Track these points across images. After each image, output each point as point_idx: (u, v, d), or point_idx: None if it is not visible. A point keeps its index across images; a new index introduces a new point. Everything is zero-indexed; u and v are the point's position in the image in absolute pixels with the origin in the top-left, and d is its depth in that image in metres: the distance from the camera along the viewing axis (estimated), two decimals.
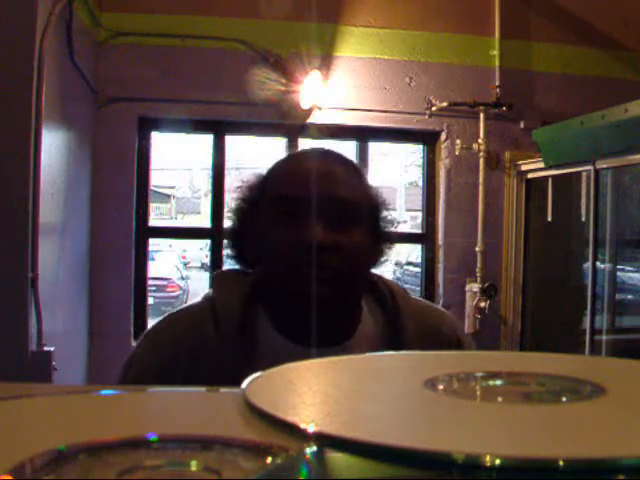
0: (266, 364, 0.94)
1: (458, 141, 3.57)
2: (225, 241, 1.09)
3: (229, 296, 1.01)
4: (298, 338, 0.98)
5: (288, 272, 0.95)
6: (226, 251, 1.08)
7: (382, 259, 1.07)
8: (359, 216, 0.99)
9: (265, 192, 1.02)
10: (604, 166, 3.09)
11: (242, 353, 0.96)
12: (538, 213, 3.63)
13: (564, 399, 0.47)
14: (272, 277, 0.99)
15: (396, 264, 9.33)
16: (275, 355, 0.93)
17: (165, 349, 1.00)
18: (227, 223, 1.07)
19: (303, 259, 0.93)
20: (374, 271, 1.09)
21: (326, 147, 1.09)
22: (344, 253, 0.95)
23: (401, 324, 1.04)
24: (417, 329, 1.05)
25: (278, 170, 1.05)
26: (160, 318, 1.07)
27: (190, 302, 1.10)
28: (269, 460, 0.39)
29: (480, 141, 3.54)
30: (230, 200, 1.10)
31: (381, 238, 1.05)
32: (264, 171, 1.06)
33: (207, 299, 1.04)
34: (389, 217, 1.07)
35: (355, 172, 1.04)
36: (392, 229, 1.08)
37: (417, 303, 1.12)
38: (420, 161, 3.88)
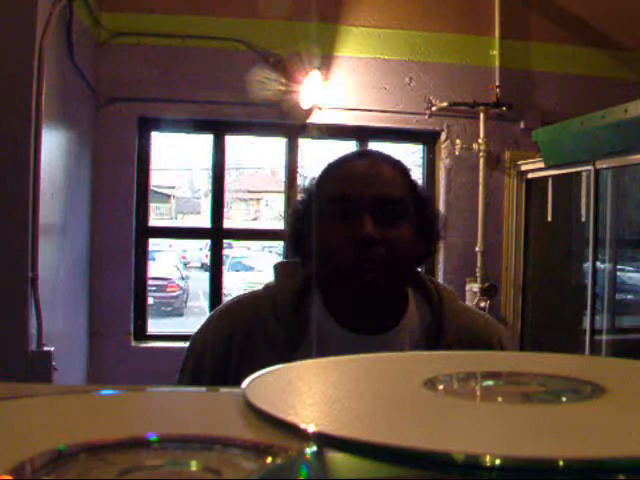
0: (318, 347, 1.02)
1: (458, 141, 3.57)
2: (285, 238, 1.19)
3: (287, 284, 1.12)
4: (348, 324, 1.08)
5: (341, 264, 1.04)
6: (287, 248, 1.20)
7: (429, 253, 1.15)
8: (404, 212, 1.07)
9: (320, 193, 1.12)
10: (604, 166, 3.09)
11: (296, 337, 1.06)
12: (538, 213, 3.63)
13: (564, 399, 0.47)
14: (327, 269, 1.07)
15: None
16: (326, 339, 1.06)
17: (223, 330, 1.11)
18: (286, 221, 1.21)
19: (354, 252, 1.02)
20: (425, 273, 1.19)
21: (374, 149, 1.18)
22: (391, 246, 1.03)
23: (444, 322, 1.10)
24: (459, 329, 1.10)
25: (331, 172, 1.14)
26: (230, 299, 1.20)
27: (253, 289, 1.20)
28: (269, 460, 0.39)
29: (480, 141, 3.54)
30: (290, 201, 1.19)
31: (427, 234, 1.12)
32: (318, 174, 1.16)
33: (268, 287, 1.15)
34: (435, 214, 1.16)
35: (401, 171, 1.12)
36: (439, 225, 1.16)
37: (464, 306, 1.20)
38: (420, 161, 3.88)
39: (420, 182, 1.17)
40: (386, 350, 1.04)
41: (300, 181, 1.19)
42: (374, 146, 3.83)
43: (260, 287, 1.17)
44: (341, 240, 1.03)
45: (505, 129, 3.64)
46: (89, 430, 0.44)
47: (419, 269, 1.19)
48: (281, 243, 3.58)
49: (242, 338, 1.08)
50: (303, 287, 1.11)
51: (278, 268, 1.17)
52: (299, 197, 1.17)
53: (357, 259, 1.02)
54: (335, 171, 1.13)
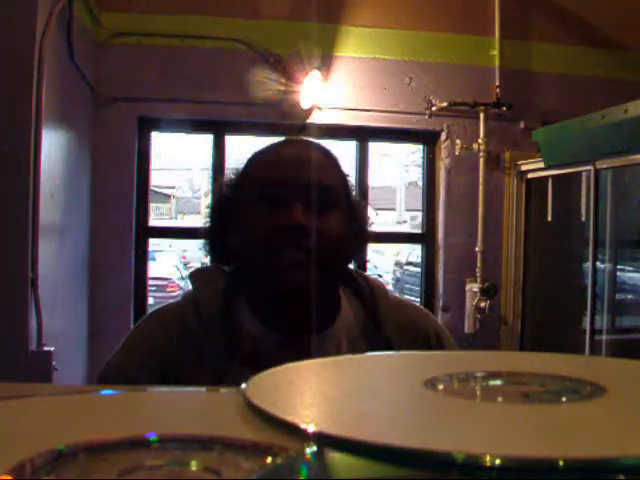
0: (249, 354, 0.97)
1: (458, 141, 3.57)
2: (203, 239, 1.11)
3: (209, 290, 1.04)
4: (279, 326, 1.01)
5: (268, 255, 0.97)
6: (203, 248, 1.10)
7: (358, 250, 1.10)
8: (335, 201, 1.02)
9: (244, 181, 1.05)
10: (604, 166, 3.09)
11: (225, 344, 0.98)
12: (538, 213, 3.63)
13: (564, 399, 0.47)
14: (252, 262, 1.01)
15: (396, 264, 9.33)
16: (257, 345, 0.98)
17: (157, 340, 1.03)
18: (204, 221, 1.11)
19: (282, 241, 0.96)
20: (354, 268, 1.15)
21: (304, 138, 1.14)
22: (321, 235, 0.97)
23: (379, 317, 1.06)
24: (396, 323, 1.07)
25: (256, 159, 1.08)
26: (142, 319, 1.10)
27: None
28: (269, 460, 0.39)
29: (480, 141, 3.54)
30: (209, 198, 1.14)
31: (357, 228, 1.07)
32: (241, 165, 1.09)
33: (187, 296, 1.07)
34: (363, 209, 1.11)
35: (332, 159, 1.08)
36: (367, 223, 1.11)
37: (396, 299, 1.15)
38: (420, 161, 3.88)
39: (353, 178, 1.12)
40: (323, 350, 1.00)
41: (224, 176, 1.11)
42: (374, 146, 3.84)
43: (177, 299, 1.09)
44: (268, 229, 0.97)
45: (505, 129, 3.63)
46: (89, 430, 0.44)
47: (349, 266, 1.13)
48: None
49: (175, 351, 1.00)
50: (226, 293, 1.03)
51: (195, 276, 1.10)
52: (220, 190, 1.10)
53: (285, 248, 0.96)
54: (261, 158, 1.07)
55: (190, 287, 1.08)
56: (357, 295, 1.09)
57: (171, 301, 1.10)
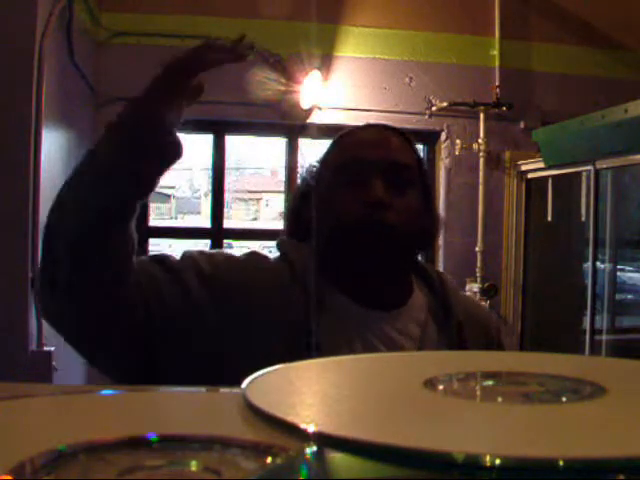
0: (329, 321, 0.98)
1: (458, 141, 3.57)
2: (289, 217, 1.16)
3: (300, 258, 1.06)
4: (358, 297, 1.04)
5: (350, 229, 1.01)
6: (287, 228, 1.14)
7: (430, 239, 1.14)
8: (413, 180, 1.07)
9: (328, 162, 1.10)
10: (604, 166, 3.09)
11: (311, 307, 1.01)
12: (538, 213, 3.63)
13: (564, 399, 0.47)
14: (335, 236, 1.04)
15: None
16: (340, 313, 1.01)
17: (239, 269, 1.02)
18: (291, 200, 1.15)
19: (364, 215, 1.00)
20: (425, 261, 1.18)
21: (384, 123, 1.17)
22: (400, 212, 1.02)
23: (449, 303, 1.09)
24: (465, 310, 1.10)
25: (338, 141, 1.13)
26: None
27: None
28: (269, 460, 0.39)
29: (480, 141, 3.54)
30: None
31: (431, 211, 1.11)
32: (325, 151, 1.14)
33: (280, 259, 1.08)
34: (434, 193, 1.16)
35: (409, 143, 1.12)
36: (438, 217, 1.15)
37: (463, 294, 1.21)
38: None
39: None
40: (398, 327, 1.03)
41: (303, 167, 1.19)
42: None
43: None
44: (350, 205, 1.01)
45: (505, 129, 3.63)
46: (89, 430, 0.44)
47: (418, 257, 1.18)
48: None
49: (261, 287, 1.00)
50: (312, 263, 1.06)
51: (283, 243, 1.12)
52: (303, 176, 1.15)
53: (366, 223, 1.00)
54: (343, 140, 1.12)
55: (279, 254, 1.10)
56: (426, 283, 1.12)
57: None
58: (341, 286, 1.05)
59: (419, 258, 1.18)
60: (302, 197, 1.12)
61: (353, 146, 1.09)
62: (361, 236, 1.00)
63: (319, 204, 1.07)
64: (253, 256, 1.08)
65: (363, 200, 1.01)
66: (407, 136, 1.12)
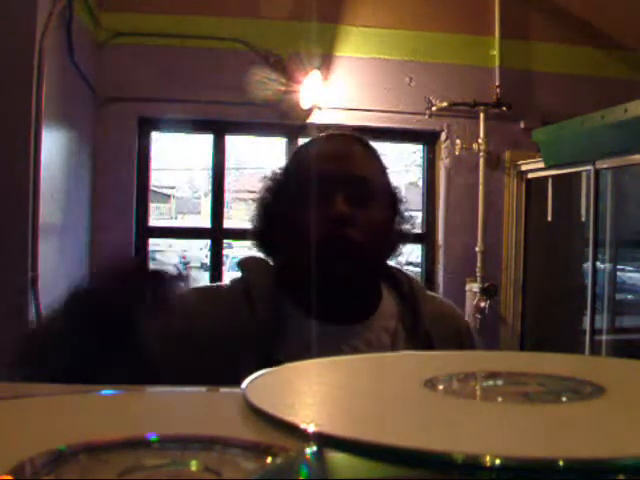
0: (295, 343, 0.97)
1: (458, 141, 3.57)
2: (251, 234, 1.13)
3: (259, 279, 1.06)
4: (323, 314, 1.02)
5: (312, 245, 1.00)
6: (252, 243, 1.12)
7: (398, 248, 1.12)
8: (377, 193, 1.05)
9: (289, 176, 1.09)
10: (604, 166, 3.09)
11: (274, 333, 1.00)
12: (538, 213, 3.63)
13: (564, 399, 0.47)
14: (298, 252, 1.03)
15: (396, 264, 9.32)
16: (302, 334, 1.00)
17: (201, 313, 1.00)
18: (253, 216, 1.12)
19: (326, 232, 0.99)
20: (393, 264, 1.16)
21: (347, 132, 1.14)
22: (363, 226, 1.00)
23: (419, 310, 1.08)
24: (432, 316, 1.09)
25: (300, 153, 1.11)
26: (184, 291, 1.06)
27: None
28: (269, 460, 0.39)
29: (480, 141, 3.54)
30: (255, 195, 1.13)
31: (397, 224, 1.10)
32: (285, 164, 1.12)
33: (238, 282, 1.07)
34: (406, 207, 1.12)
35: (373, 154, 1.10)
36: (408, 222, 1.13)
37: (433, 296, 1.18)
38: (420, 161, 3.88)
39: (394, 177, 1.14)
40: (364, 339, 1.02)
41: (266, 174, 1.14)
42: (374, 146, 3.83)
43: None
44: (312, 220, 0.99)
45: (505, 129, 3.63)
46: (89, 430, 0.44)
47: (390, 263, 1.16)
48: None
49: (218, 326, 0.99)
50: (274, 282, 1.06)
51: (245, 264, 1.11)
52: (265, 186, 1.12)
53: (329, 239, 0.98)
54: (304, 152, 1.10)
55: (240, 274, 1.09)
56: (396, 289, 1.11)
57: (217, 283, 1.13)
58: (305, 304, 1.03)
59: (389, 263, 1.15)
60: (264, 211, 1.10)
61: (313, 160, 1.06)
62: (324, 253, 0.98)
63: (281, 220, 1.05)
64: (204, 294, 1.05)
65: (325, 216, 0.99)
66: (370, 146, 1.10)
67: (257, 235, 1.12)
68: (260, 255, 1.12)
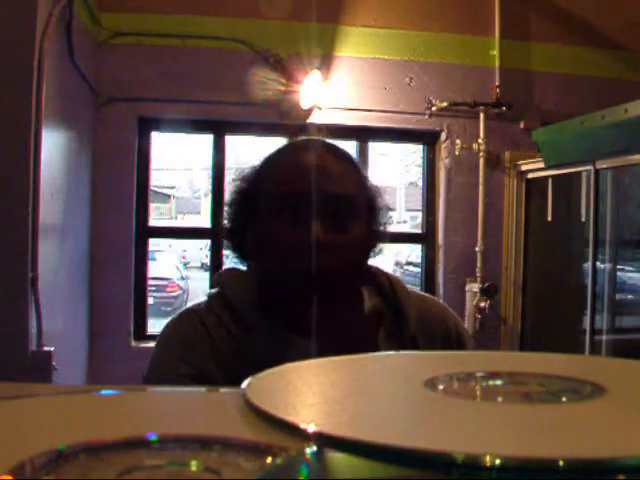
0: (275, 357, 0.96)
1: (458, 141, 3.57)
2: (223, 237, 1.09)
3: (239, 293, 1.02)
4: (303, 332, 0.98)
5: (286, 270, 0.96)
6: (225, 246, 1.09)
7: (377, 250, 1.07)
8: (356, 212, 0.99)
9: (260, 187, 1.02)
10: (604, 166, 3.09)
11: (257, 349, 0.96)
12: (538, 213, 3.63)
13: (564, 399, 0.47)
14: (270, 274, 1.00)
15: (396, 264, 9.33)
16: (282, 348, 0.97)
17: (177, 350, 1.01)
18: (224, 217, 1.08)
19: (301, 257, 0.93)
20: (373, 264, 1.10)
21: (320, 138, 1.08)
22: (342, 251, 0.95)
23: (403, 314, 1.05)
24: (419, 318, 1.06)
25: (273, 164, 1.04)
26: (172, 318, 1.08)
27: (193, 302, 1.10)
28: (269, 460, 0.39)
29: (480, 141, 3.54)
30: (226, 194, 1.09)
31: (377, 229, 1.05)
32: (258, 163, 1.06)
33: (216, 298, 1.04)
34: (384, 206, 1.07)
35: (351, 164, 1.04)
36: (387, 219, 1.08)
37: (415, 293, 1.13)
38: (420, 161, 3.88)
39: (367, 174, 1.07)
40: (349, 351, 1.00)
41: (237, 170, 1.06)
42: (374, 146, 3.84)
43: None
44: (287, 243, 0.94)
45: (505, 129, 3.63)
46: (89, 430, 0.44)
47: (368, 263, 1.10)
48: None
49: (202, 357, 0.98)
50: (254, 296, 1.02)
51: (224, 277, 1.08)
52: (236, 188, 1.06)
53: (301, 265, 0.93)
54: (275, 164, 1.03)
55: (215, 289, 1.07)
56: (377, 291, 1.08)
57: (197, 302, 1.08)
58: (282, 320, 1.00)
59: (371, 266, 1.10)
60: (237, 213, 1.05)
61: (287, 174, 0.99)
62: (298, 278, 0.94)
63: (254, 231, 1.01)
64: (181, 322, 1.05)
65: (301, 240, 0.93)
66: (346, 156, 1.04)
67: (228, 236, 1.08)
68: (237, 266, 1.09)
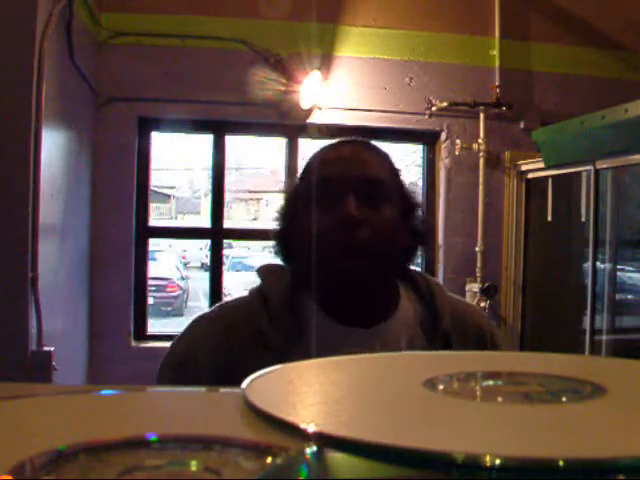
0: (315, 345, 0.99)
1: (458, 141, 3.57)
2: (273, 240, 1.16)
3: (276, 286, 1.09)
4: (341, 317, 1.05)
5: (324, 248, 1.01)
6: (273, 249, 1.16)
7: (414, 250, 1.13)
8: (387, 195, 1.06)
9: (303, 182, 1.12)
10: (604, 166, 3.09)
11: (293, 337, 1.03)
12: (538, 213, 3.63)
13: (564, 399, 0.47)
14: (310, 256, 1.04)
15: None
16: (322, 335, 1.03)
17: (215, 337, 1.07)
18: (274, 223, 1.16)
19: (337, 233, 1.01)
20: (413, 268, 1.17)
21: (358, 138, 1.17)
22: (375, 227, 1.02)
23: (437, 311, 1.10)
24: (453, 317, 1.10)
25: (312, 159, 1.14)
26: (211, 308, 1.16)
27: (238, 296, 1.18)
28: (269, 460, 0.39)
29: (480, 141, 3.54)
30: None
31: (411, 226, 1.11)
32: (301, 172, 1.16)
33: (254, 291, 1.12)
34: (418, 204, 1.13)
35: (383, 157, 1.12)
36: (423, 224, 1.14)
37: (452, 296, 1.19)
38: (420, 161, 3.88)
39: (419, 182, 1.17)
40: (383, 341, 1.04)
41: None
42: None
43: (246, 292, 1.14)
44: (324, 224, 1.02)
45: (505, 129, 3.64)
46: (89, 430, 0.44)
47: (410, 266, 1.17)
48: None
49: (237, 344, 1.05)
50: (292, 286, 1.09)
51: (262, 271, 1.15)
52: (284, 193, 1.17)
53: (338, 241, 1.00)
54: (316, 158, 1.13)
55: (258, 282, 1.13)
56: (415, 291, 1.13)
57: (241, 295, 1.15)
58: (321, 306, 1.06)
59: (411, 267, 1.17)
60: (285, 213, 1.14)
61: (325, 163, 1.09)
62: (335, 254, 1.01)
63: (295, 224, 1.09)
64: (222, 311, 1.13)
65: (336, 218, 1.01)
66: (381, 151, 1.13)
67: (276, 241, 1.15)
68: (277, 261, 1.15)
